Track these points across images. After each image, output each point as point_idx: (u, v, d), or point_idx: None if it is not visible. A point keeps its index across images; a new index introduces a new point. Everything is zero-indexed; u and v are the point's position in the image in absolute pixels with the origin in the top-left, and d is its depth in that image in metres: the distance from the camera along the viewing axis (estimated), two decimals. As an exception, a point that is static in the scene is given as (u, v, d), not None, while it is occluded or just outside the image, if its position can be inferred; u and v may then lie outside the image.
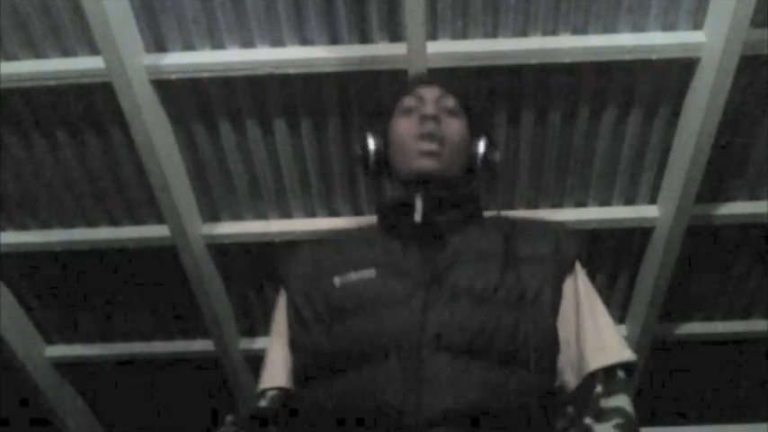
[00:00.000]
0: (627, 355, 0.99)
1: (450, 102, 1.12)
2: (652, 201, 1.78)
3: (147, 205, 1.78)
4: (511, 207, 1.78)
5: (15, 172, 1.72)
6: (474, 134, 1.14)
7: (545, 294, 0.98)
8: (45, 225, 1.83)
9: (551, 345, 0.97)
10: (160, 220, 1.74)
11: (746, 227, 1.81)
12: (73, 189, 1.76)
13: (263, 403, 1.05)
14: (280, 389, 1.05)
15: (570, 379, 0.99)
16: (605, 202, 1.79)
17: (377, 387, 0.89)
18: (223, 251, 1.85)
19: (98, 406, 2.31)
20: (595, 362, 0.97)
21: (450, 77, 1.19)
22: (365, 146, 1.14)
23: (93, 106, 1.61)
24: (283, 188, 1.76)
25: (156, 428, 2.37)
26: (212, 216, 1.81)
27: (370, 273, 1.01)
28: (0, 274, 1.89)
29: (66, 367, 2.15)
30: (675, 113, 1.61)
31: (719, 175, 1.72)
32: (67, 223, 1.83)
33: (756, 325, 2.03)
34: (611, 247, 1.86)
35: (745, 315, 2.03)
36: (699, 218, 1.74)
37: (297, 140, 1.67)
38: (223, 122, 1.64)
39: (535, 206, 1.80)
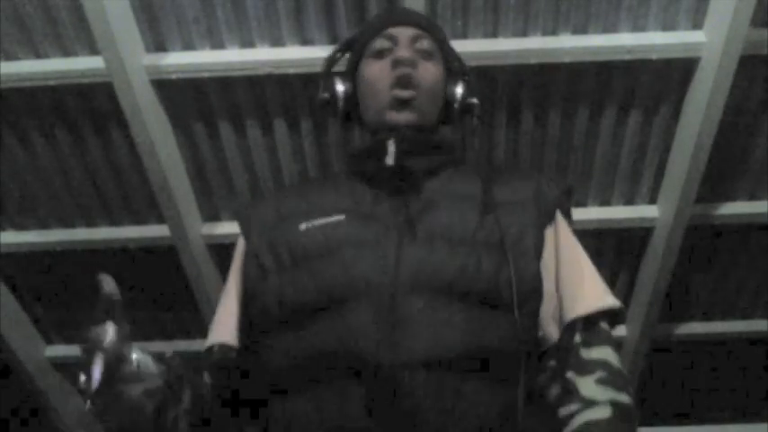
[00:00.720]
0: (609, 301, 0.91)
1: (426, 43, 1.02)
2: (652, 201, 1.78)
3: (147, 205, 1.78)
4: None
5: (15, 172, 1.72)
6: (451, 78, 1.05)
7: (527, 238, 0.90)
8: (45, 225, 1.83)
9: (535, 289, 0.89)
10: (160, 220, 1.74)
11: (746, 227, 1.81)
12: (73, 189, 1.76)
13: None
14: (228, 346, 0.96)
15: (552, 330, 0.92)
16: (605, 202, 1.79)
17: (348, 332, 0.81)
18: (223, 251, 1.85)
19: (98, 406, 2.30)
20: (574, 310, 0.90)
21: (424, 15, 1.08)
22: (333, 90, 1.03)
23: (93, 106, 1.61)
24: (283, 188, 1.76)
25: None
26: (212, 216, 1.81)
27: (338, 218, 0.92)
28: (0, 274, 1.89)
29: (66, 367, 2.15)
30: (675, 113, 1.61)
31: (719, 175, 1.72)
32: (67, 223, 1.83)
33: (756, 325, 2.03)
34: (611, 247, 1.86)
35: (745, 315, 2.03)
36: (699, 218, 1.74)
37: (297, 140, 1.67)
38: (223, 122, 1.64)
39: (535, 206, 1.80)
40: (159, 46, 1.53)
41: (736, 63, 1.42)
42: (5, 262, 1.87)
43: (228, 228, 1.81)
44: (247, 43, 1.53)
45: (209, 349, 0.98)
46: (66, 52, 1.53)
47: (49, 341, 2.10)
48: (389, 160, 0.94)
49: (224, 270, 1.88)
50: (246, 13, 1.48)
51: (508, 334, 0.84)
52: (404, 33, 1.01)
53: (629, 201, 1.79)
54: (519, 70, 1.54)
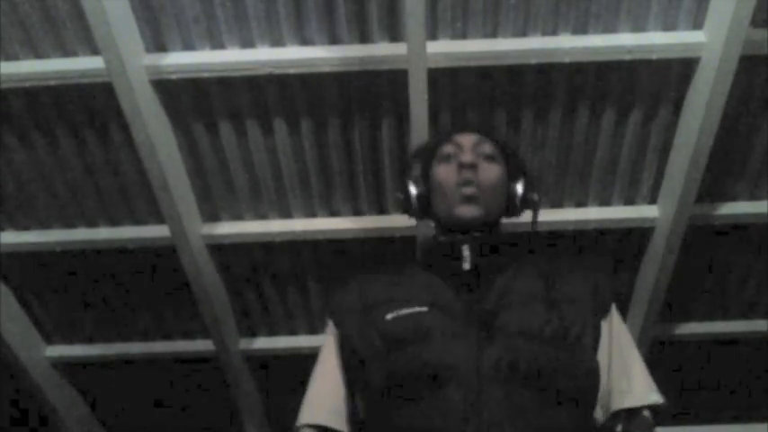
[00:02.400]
0: (653, 398, 1.05)
1: (488, 147, 1.15)
2: (652, 201, 1.78)
3: (147, 205, 1.78)
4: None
5: (15, 172, 1.72)
6: (512, 177, 1.17)
7: (587, 335, 1.03)
8: (45, 225, 1.83)
9: (594, 384, 1.02)
10: (160, 220, 1.74)
11: (746, 227, 1.81)
12: (73, 189, 1.76)
13: None
14: (317, 427, 1.08)
15: (599, 413, 1.05)
16: (605, 202, 1.79)
17: (442, 410, 0.94)
18: (223, 251, 1.85)
19: (98, 406, 2.31)
20: (620, 403, 1.03)
21: (486, 125, 1.25)
22: (407, 193, 1.18)
23: (93, 106, 1.61)
24: (283, 188, 1.76)
25: (156, 428, 2.37)
26: (212, 216, 1.81)
27: (420, 309, 1.04)
28: (0, 274, 1.89)
29: (66, 367, 2.15)
30: (675, 113, 1.61)
31: (719, 175, 1.72)
32: (67, 223, 1.83)
33: (756, 325, 2.03)
34: (611, 247, 1.86)
35: (745, 315, 2.03)
36: (699, 218, 1.74)
37: (297, 140, 1.67)
38: (223, 122, 1.64)
39: (535, 206, 1.80)
40: (159, 46, 1.53)
41: (736, 63, 1.42)
42: (5, 262, 1.87)
43: (228, 228, 1.81)
44: (247, 43, 1.53)
45: (301, 428, 1.09)
46: (66, 52, 1.53)
47: (49, 341, 2.10)
48: (466, 265, 1.07)
49: (224, 270, 1.89)
50: (246, 13, 1.48)
51: (575, 425, 0.98)
52: (467, 140, 1.15)
53: (629, 201, 1.79)
54: (519, 70, 1.54)
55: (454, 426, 0.92)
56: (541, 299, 1.05)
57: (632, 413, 1.04)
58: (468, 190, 1.09)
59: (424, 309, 1.04)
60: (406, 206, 1.20)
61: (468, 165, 1.10)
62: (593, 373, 1.02)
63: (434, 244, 1.17)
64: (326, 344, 1.15)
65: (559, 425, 0.95)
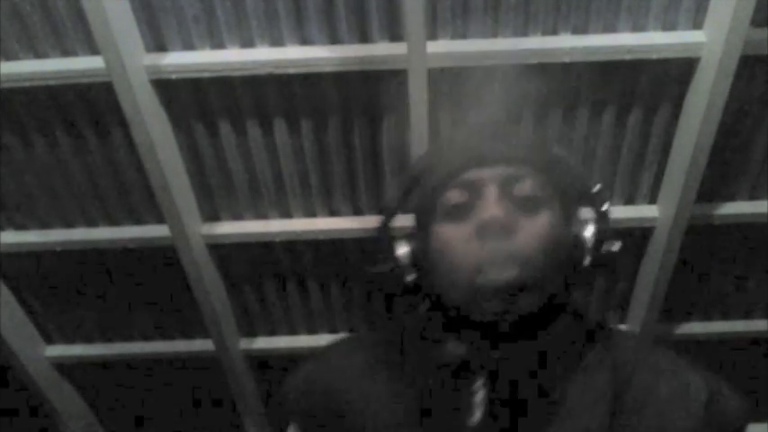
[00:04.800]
0: None
1: (528, 184, 0.66)
2: (652, 201, 1.78)
3: (147, 205, 1.78)
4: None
5: (15, 172, 1.72)
6: (569, 219, 0.69)
7: None
8: (45, 225, 1.83)
9: None
10: (160, 220, 1.74)
11: (746, 227, 1.81)
12: (73, 189, 1.76)
13: None
14: None
15: None
16: (605, 202, 1.79)
17: None
18: (223, 251, 1.86)
19: (98, 406, 2.31)
20: None
21: (517, 139, 0.71)
22: (394, 258, 0.70)
23: (93, 106, 1.61)
24: (283, 188, 1.76)
25: (156, 428, 2.37)
26: (212, 216, 1.81)
27: None
28: (0, 274, 1.89)
29: (66, 367, 2.15)
30: (675, 113, 1.61)
31: (719, 175, 1.72)
32: (67, 223, 1.83)
33: (756, 325, 2.03)
34: (611, 248, 1.86)
35: (745, 315, 2.03)
36: (699, 218, 1.74)
37: (297, 140, 1.67)
38: (223, 122, 1.64)
39: (535, 206, 1.80)
40: (159, 46, 1.53)
41: (736, 63, 1.42)
42: (5, 262, 1.87)
43: (228, 228, 1.81)
44: (247, 43, 1.53)
45: None
46: (66, 52, 1.53)
47: (49, 341, 2.10)
48: (474, 420, 0.64)
49: (224, 270, 1.89)
50: (246, 13, 1.48)
51: None
52: (490, 178, 0.66)
53: (629, 201, 1.79)
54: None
55: None
56: None
57: None
58: (502, 274, 0.62)
59: None
60: (393, 282, 0.71)
61: (496, 226, 0.63)
62: None
63: (428, 354, 0.70)
64: None
65: None
